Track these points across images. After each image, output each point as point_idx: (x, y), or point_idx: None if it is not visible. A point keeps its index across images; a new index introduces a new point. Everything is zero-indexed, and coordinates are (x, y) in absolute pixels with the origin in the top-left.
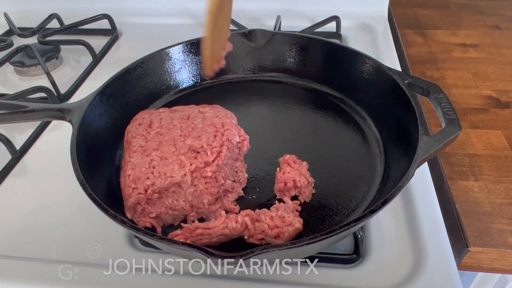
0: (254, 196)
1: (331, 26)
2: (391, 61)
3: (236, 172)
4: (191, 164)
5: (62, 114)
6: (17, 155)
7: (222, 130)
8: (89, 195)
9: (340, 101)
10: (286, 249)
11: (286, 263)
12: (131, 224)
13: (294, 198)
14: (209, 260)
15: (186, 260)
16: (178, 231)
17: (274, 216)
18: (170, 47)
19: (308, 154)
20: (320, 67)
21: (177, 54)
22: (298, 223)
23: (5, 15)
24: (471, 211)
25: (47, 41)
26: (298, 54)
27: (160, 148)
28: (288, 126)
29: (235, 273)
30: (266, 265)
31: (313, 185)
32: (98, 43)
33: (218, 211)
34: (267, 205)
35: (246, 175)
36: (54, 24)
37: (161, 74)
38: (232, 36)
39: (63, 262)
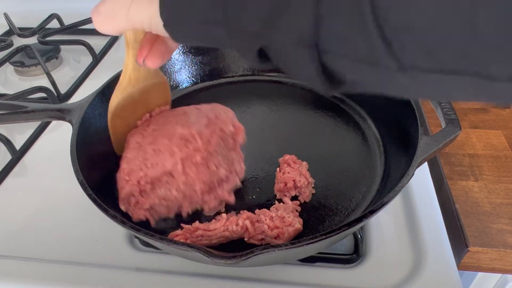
0: (254, 196)
1: None
2: None
3: (232, 162)
4: (181, 151)
5: (62, 114)
6: (17, 155)
7: (214, 121)
8: (89, 195)
9: (340, 101)
10: (286, 249)
11: (286, 263)
12: (131, 224)
13: (294, 198)
14: (209, 261)
15: (186, 260)
16: (178, 231)
17: (274, 217)
18: None
19: (308, 154)
20: None
21: (177, 54)
22: (298, 223)
23: (5, 15)
24: (471, 211)
25: (47, 41)
26: None
27: (154, 142)
28: (288, 126)
29: (235, 273)
30: (266, 265)
31: (313, 185)
32: (98, 43)
33: (212, 202)
34: (267, 205)
35: (243, 166)
36: (54, 24)
37: None
38: None
39: (63, 262)
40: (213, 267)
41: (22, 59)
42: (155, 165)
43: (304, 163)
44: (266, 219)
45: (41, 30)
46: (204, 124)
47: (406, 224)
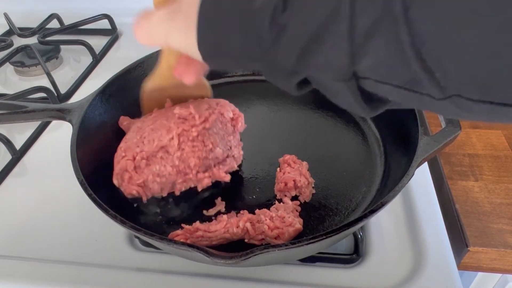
0: (254, 196)
1: None
2: None
3: (230, 147)
4: (178, 128)
5: (62, 114)
6: (17, 155)
7: (214, 105)
8: (89, 195)
9: None
10: (286, 249)
11: (286, 263)
12: (131, 224)
13: (294, 198)
14: (209, 260)
15: (186, 260)
16: (179, 231)
17: (274, 217)
18: None
19: (308, 154)
20: None
21: None
22: (298, 223)
23: (5, 15)
24: (471, 211)
25: (47, 41)
26: None
27: (153, 124)
28: (288, 126)
29: (235, 273)
30: (266, 265)
31: (313, 185)
32: (98, 43)
33: (206, 180)
34: (267, 205)
35: (241, 152)
36: (54, 24)
37: None
38: None
39: (63, 262)
40: (213, 267)
41: (22, 59)
42: (151, 141)
43: (304, 163)
44: (266, 219)
45: (41, 30)
46: (204, 108)
47: (406, 224)
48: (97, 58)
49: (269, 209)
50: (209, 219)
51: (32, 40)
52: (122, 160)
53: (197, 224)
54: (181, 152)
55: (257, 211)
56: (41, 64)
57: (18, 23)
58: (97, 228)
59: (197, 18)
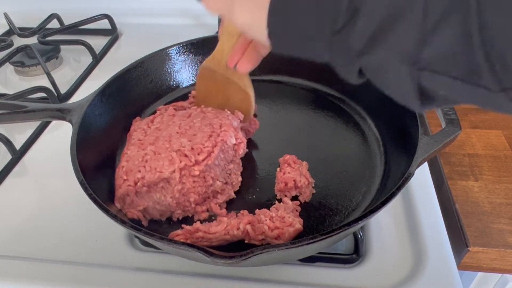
0: (254, 196)
1: None
2: None
3: (229, 174)
4: (180, 161)
5: (62, 114)
6: (17, 155)
7: (218, 131)
8: (89, 195)
9: (340, 101)
10: (286, 249)
11: (286, 263)
12: (131, 224)
13: (294, 198)
14: (209, 260)
15: (186, 260)
16: (179, 231)
17: (274, 217)
18: (170, 47)
19: (308, 154)
20: (320, 67)
21: (177, 54)
22: (298, 223)
23: (5, 15)
24: (471, 211)
25: (47, 41)
26: None
27: (155, 143)
28: (288, 126)
29: (235, 273)
30: (266, 265)
31: (313, 185)
32: (98, 43)
33: (203, 214)
34: (267, 205)
35: (240, 178)
36: (54, 24)
37: (161, 74)
38: None
39: (63, 262)
40: (213, 267)
41: (22, 59)
42: (153, 170)
43: (304, 163)
44: (266, 220)
45: (41, 30)
46: (207, 134)
47: (406, 224)
48: (97, 58)
49: (269, 209)
50: (209, 219)
51: (32, 40)
52: (123, 185)
53: (197, 224)
54: (181, 186)
55: (257, 211)
56: (41, 64)
57: (18, 23)
58: (97, 228)
59: None
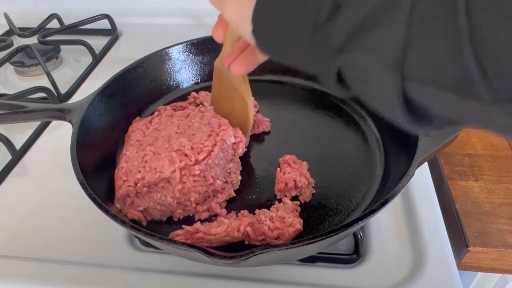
0: (254, 196)
1: None
2: None
3: (229, 173)
4: (180, 161)
5: (62, 114)
6: (17, 155)
7: (217, 130)
8: (89, 195)
9: (340, 101)
10: (286, 249)
11: (286, 263)
12: (131, 224)
13: (294, 198)
14: (209, 261)
15: (186, 260)
16: (179, 231)
17: (274, 217)
18: (170, 47)
19: (308, 154)
20: None
21: (177, 54)
22: (298, 224)
23: (5, 15)
24: (471, 211)
25: (47, 41)
26: None
27: (155, 144)
28: (288, 126)
29: (235, 273)
30: (266, 265)
31: (313, 185)
32: (98, 43)
33: (204, 214)
34: (267, 205)
35: (239, 177)
36: (54, 24)
37: (161, 74)
38: None
39: (63, 262)
40: (213, 267)
41: (22, 59)
42: (153, 170)
43: (304, 163)
44: (266, 220)
45: (41, 30)
46: (207, 134)
47: (406, 224)
48: (97, 58)
49: (269, 209)
50: (209, 219)
51: (32, 40)
52: (123, 185)
53: (197, 225)
54: (182, 186)
55: (257, 211)
56: (41, 64)
57: (18, 23)
58: (97, 228)
59: None
